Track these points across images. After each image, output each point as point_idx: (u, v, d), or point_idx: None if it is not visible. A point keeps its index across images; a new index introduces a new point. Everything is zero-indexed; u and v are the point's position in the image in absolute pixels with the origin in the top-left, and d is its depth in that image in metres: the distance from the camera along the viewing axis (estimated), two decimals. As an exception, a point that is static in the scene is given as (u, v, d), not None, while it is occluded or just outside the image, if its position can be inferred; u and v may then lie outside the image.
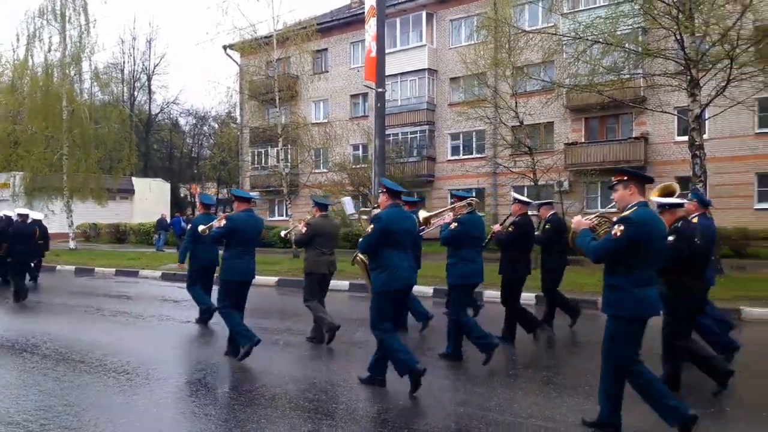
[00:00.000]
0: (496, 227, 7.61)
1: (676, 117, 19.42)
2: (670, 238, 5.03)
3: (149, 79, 52.37)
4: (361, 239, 5.59)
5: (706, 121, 16.79)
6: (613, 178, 4.42)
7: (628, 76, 16.53)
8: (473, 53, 21.62)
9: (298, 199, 28.67)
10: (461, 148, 28.43)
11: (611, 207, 4.64)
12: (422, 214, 7.39)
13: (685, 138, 15.16)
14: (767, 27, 13.85)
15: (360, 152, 30.11)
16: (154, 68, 52.31)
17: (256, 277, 6.98)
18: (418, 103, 28.73)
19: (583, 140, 24.88)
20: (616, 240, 4.08)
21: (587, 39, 14.86)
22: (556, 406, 4.94)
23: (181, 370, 6.31)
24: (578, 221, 4.53)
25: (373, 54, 13.94)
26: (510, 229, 7.40)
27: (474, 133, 27.37)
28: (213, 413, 4.91)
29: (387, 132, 21.81)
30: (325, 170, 28.69)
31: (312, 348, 7.27)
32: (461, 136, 28.19)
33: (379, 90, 13.69)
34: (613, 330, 4.27)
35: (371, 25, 14.17)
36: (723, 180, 20.81)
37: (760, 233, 18.91)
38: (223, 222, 6.68)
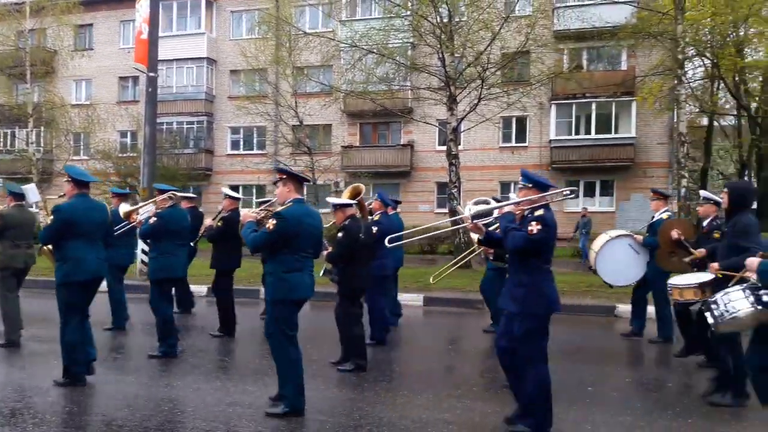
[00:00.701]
0: (208, 221, 7.80)
1: (437, 128, 21.52)
2: (340, 234, 5.86)
3: None
4: (42, 230, 5.45)
5: (462, 134, 18.91)
6: (276, 176, 4.95)
7: (398, 87, 17.97)
8: (254, 48, 21.47)
9: (50, 189, 25.49)
10: (241, 142, 27.96)
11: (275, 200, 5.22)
12: (123, 208, 7.24)
13: (444, 148, 16.93)
14: (511, 54, 16.15)
15: (128, 140, 27.91)
16: None
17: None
18: (196, 93, 27.53)
19: (358, 144, 26.23)
20: (269, 233, 4.59)
21: (362, 48, 15.78)
22: (326, 399, 5.16)
23: None
24: (245, 214, 5.00)
25: (144, 36, 13.07)
26: (219, 224, 7.65)
27: (255, 129, 27.12)
28: (-69, 439, 4.19)
29: (160, 120, 20.55)
30: (86, 157, 26.10)
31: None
32: (242, 130, 27.73)
33: (151, 74, 12.91)
34: (270, 312, 4.77)
35: (142, 5, 13.25)
36: (474, 186, 23.56)
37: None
38: None
